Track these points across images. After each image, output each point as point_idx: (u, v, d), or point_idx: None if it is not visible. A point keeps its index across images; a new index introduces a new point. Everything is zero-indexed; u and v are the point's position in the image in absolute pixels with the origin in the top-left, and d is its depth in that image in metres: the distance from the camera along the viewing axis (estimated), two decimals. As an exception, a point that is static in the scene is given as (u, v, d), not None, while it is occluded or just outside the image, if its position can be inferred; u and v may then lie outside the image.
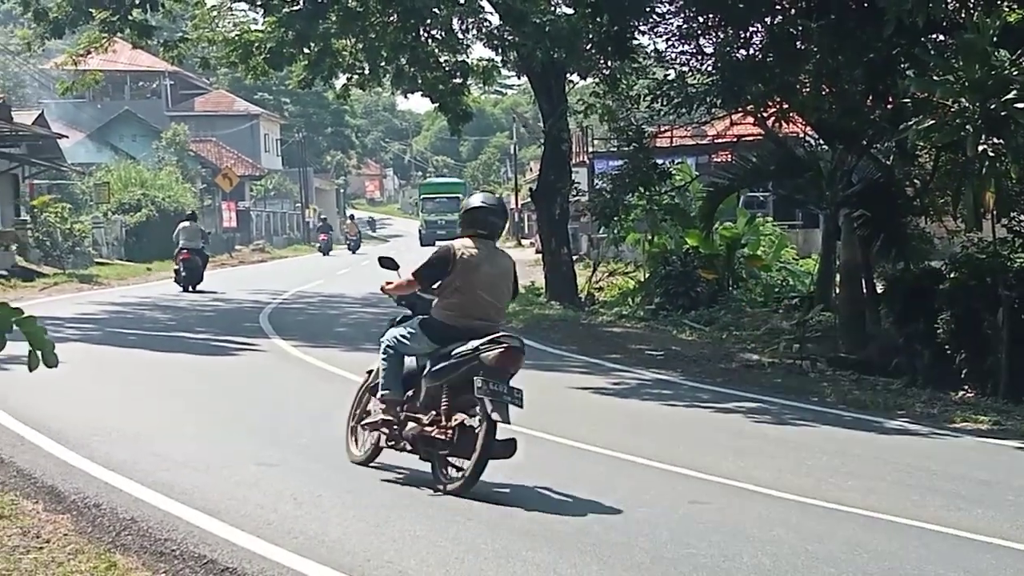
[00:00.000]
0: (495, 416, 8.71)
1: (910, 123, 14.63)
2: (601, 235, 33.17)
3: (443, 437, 9.01)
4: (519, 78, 54.25)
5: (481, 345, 8.92)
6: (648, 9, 20.00)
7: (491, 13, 28.44)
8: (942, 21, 15.95)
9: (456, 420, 8.98)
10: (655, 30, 20.80)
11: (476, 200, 9.97)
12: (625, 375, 17.10)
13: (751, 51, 19.17)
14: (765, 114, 20.53)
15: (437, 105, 32.34)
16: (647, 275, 28.15)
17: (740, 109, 20.83)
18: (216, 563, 7.40)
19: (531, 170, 79.22)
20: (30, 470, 9.75)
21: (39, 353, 3.51)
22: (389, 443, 9.63)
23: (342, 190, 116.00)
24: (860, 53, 16.76)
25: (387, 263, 10.08)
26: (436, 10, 27.24)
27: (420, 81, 30.50)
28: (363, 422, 10.04)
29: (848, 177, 18.98)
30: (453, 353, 9.07)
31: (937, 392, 15.21)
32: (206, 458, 10.32)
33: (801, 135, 23.23)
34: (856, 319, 18.76)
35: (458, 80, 30.83)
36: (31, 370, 3.49)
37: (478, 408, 8.83)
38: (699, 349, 20.09)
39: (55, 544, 7.76)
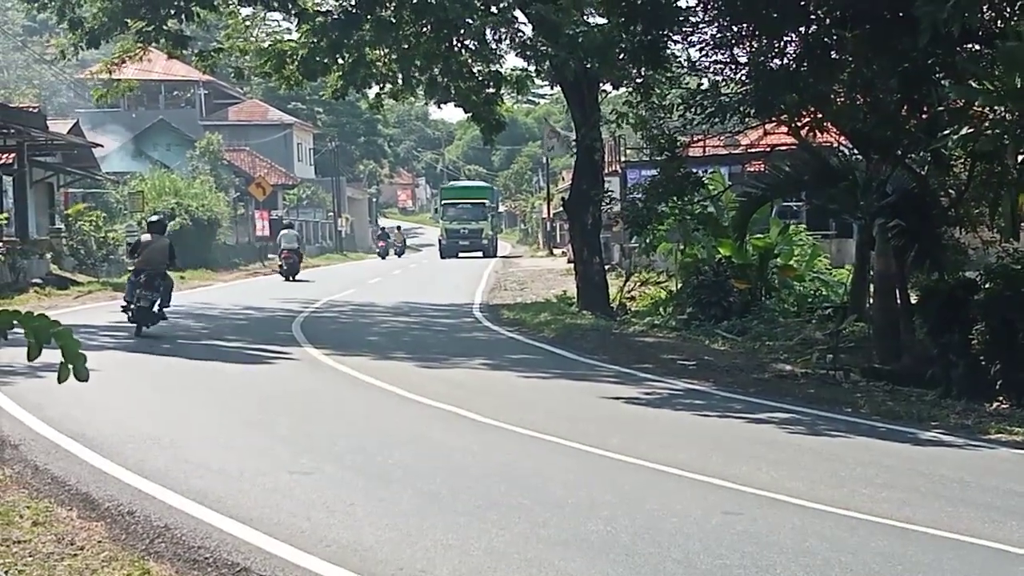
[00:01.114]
0: (142, 303, 21.27)
1: (947, 132, 14.56)
2: (633, 245, 33.08)
3: (130, 314, 21.47)
4: (552, 88, 54.55)
5: (142, 275, 21.49)
6: (681, 19, 19.96)
7: (524, 23, 28.46)
8: (977, 30, 15.86)
9: (135, 305, 21.40)
10: (688, 39, 20.78)
11: (152, 217, 25.09)
12: (657, 385, 17.06)
13: (785, 61, 19.09)
14: (799, 124, 20.44)
15: (470, 115, 32.42)
16: (679, 285, 28.06)
17: (774, 119, 20.76)
18: (249, 571, 7.43)
19: (563, 179, 77.71)
20: (64, 477, 9.82)
21: (71, 366, 3.52)
22: (129, 320, 21.53)
23: (374, 199, 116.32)
24: (895, 62, 16.68)
25: (131, 245, 25.07)
26: (469, 20, 27.27)
27: (453, 91, 30.55)
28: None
29: (883, 187, 18.88)
30: (135, 279, 21.66)
31: (972, 403, 15.09)
32: (239, 466, 10.37)
33: (835, 145, 23.13)
34: (890, 330, 18.66)
35: (491, 90, 30.85)
36: (60, 382, 3.51)
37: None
38: (732, 359, 20.02)
39: (89, 551, 7.80)
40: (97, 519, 8.59)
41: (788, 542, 8.27)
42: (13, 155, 37.59)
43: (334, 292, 37.23)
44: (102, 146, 50.42)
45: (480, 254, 72.62)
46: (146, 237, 22.43)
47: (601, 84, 28.51)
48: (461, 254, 72.21)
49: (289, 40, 31.28)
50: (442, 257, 71.65)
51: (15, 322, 3.46)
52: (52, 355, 4.17)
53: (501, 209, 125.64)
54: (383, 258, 73.67)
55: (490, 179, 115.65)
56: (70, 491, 9.37)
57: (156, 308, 21.70)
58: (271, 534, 8.12)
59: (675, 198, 22.70)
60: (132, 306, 21.41)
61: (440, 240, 75.91)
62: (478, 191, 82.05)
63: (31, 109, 44.85)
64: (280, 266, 45.76)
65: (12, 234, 36.29)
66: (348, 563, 7.55)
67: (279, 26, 34.28)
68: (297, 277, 44.63)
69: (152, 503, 8.96)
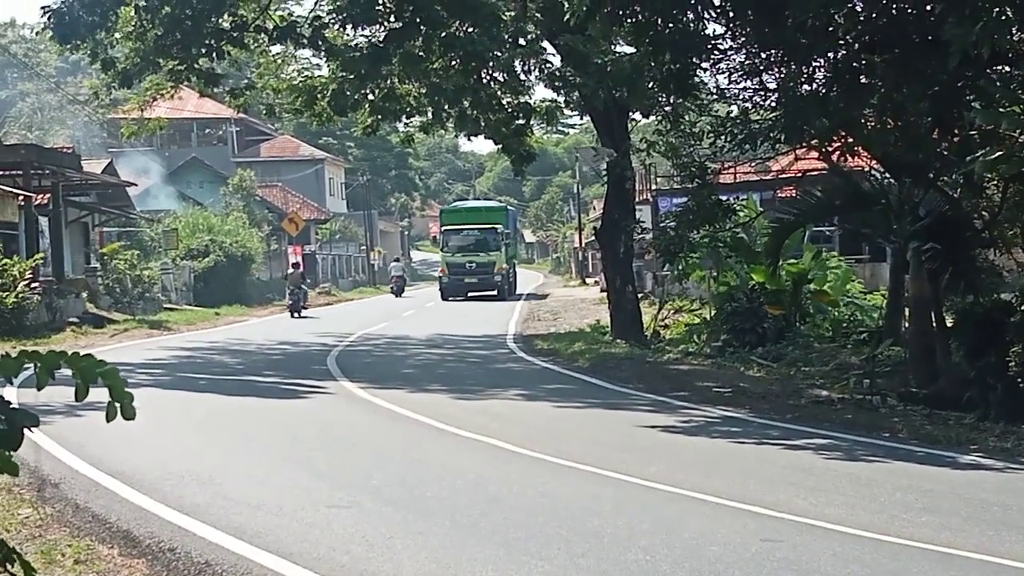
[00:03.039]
0: (291, 302, 44.28)
1: (977, 155, 14.51)
2: (666, 272, 33.09)
3: (289, 308, 44.78)
4: (581, 118, 54.45)
5: (290, 287, 45.26)
6: (710, 46, 19.97)
7: (553, 54, 28.62)
8: (1007, 52, 15.82)
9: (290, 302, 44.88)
10: (717, 67, 20.74)
11: (293, 260, 53.20)
12: (693, 412, 17.02)
13: (815, 86, 19.07)
14: (830, 149, 20.42)
15: (500, 146, 32.55)
16: (713, 312, 28.02)
17: (804, 144, 20.73)
18: (290, 605, 7.46)
19: (594, 208, 77.53)
20: (105, 515, 9.88)
21: (118, 405, 3.57)
22: (289, 311, 44.14)
23: (406, 232, 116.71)
24: (925, 86, 16.65)
25: (285, 274, 51.02)
26: (498, 53, 27.42)
27: (483, 123, 30.71)
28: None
29: (915, 210, 18.83)
30: (289, 291, 45.62)
31: (1010, 426, 14.99)
32: (277, 501, 10.41)
33: (867, 169, 23.07)
34: (926, 353, 18.56)
35: (521, 121, 31.00)
36: (108, 421, 3.55)
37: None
38: (767, 386, 19.96)
39: (131, 588, 7.85)
40: (139, 556, 8.64)
41: (829, 569, 8.23)
42: (48, 195, 37.94)
43: (378, 321, 37.34)
44: (136, 185, 50.81)
45: (494, 293, 56.61)
46: (291, 270, 46.31)
47: (630, 113, 28.60)
48: (471, 294, 56.57)
49: (319, 76, 31.52)
50: (443, 298, 56.27)
51: (62, 363, 3.51)
52: (91, 394, 4.23)
53: (531, 239, 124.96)
54: None
55: (521, 210, 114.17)
56: (111, 529, 9.43)
57: (301, 304, 43.63)
58: (311, 568, 8.15)
59: (707, 225, 22.67)
60: (289, 302, 43.37)
61: (441, 278, 58.54)
62: (488, 213, 62.76)
63: (65, 150, 45.28)
64: (391, 288, 64.47)
65: (48, 274, 36.59)
66: (388, 596, 7.57)
67: (309, 63, 34.50)
68: (403, 295, 62.37)
69: (192, 539, 9.00)
